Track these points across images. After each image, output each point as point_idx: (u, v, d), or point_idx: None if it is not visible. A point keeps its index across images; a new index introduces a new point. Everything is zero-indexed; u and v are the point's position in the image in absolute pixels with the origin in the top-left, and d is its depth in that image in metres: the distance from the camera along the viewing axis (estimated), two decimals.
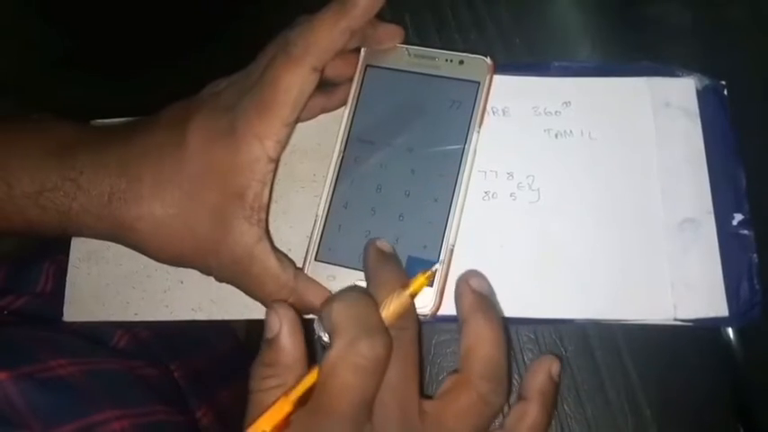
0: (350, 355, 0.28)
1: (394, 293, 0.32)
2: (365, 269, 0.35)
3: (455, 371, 0.32)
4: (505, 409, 0.34)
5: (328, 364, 0.29)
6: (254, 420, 0.28)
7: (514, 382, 0.39)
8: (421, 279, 0.33)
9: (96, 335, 0.42)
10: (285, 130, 0.34)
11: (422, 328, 0.34)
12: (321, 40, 0.34)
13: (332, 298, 0.31)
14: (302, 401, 0.29)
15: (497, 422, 0.33)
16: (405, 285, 0.33)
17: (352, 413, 0.29)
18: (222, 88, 0.37)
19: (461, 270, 0.36)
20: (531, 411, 0.32)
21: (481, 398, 0.31)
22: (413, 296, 0.32)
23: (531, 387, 0.33)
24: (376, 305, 0.31)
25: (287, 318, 0.31)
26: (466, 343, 0.32)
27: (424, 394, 0.32)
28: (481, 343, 0.32)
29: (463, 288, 0.34)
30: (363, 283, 0.35)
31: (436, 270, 0.34)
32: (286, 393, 0.29)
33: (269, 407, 0.29)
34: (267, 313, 0.31)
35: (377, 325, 0.30)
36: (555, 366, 0.34)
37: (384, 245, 0.36)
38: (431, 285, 0.36)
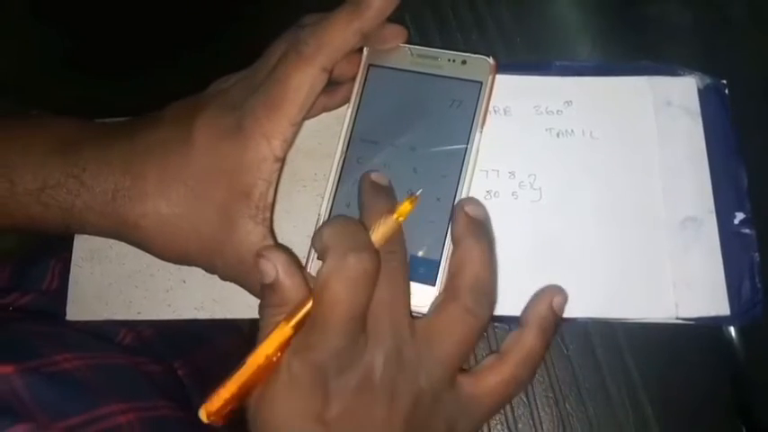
0: (339, 270, 0.29)
1: (381, 218, 0.33)
2: (359, 201, 0.36)
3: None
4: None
5: (320, 281, 0.30)
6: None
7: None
8: (406, 204, 0.33)
9: (101, 333, 0.43)
10: (292, 129, 0.35)
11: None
12: (334, 40, 0.34)
13: (322, 224, 0.32)
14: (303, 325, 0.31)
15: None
16: (392, 211, 0.33)
17: (344, 325, 0.30)
18: (229, 85, 0.37)
19: None
20: (527, 338, 0.34)
21: (467, 310, 0.32)
22: (399, 221, 0.33)
23: (531, 315, 0.34)
24: (364, 228, 0.32)
25: (280, 259, 0.32)
26: (454, 263, 0.34)
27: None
28: (469, 262, 0.33)
29: (458, 212, 0.35)
30: None
31: (420, 193, 0.34)
32: (286, 319, 0.31)
33: (270, 332, 0.30)
34: (260, 262, 0.32)
35: (365, 243, 0.31)
36: (558, 297, 0.35)
37: (379, 177, 0.36)
38: (430, 274, 0.36)
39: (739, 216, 0.39)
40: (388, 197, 0.35)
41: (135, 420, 0.37)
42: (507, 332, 0.40)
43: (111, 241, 0.39)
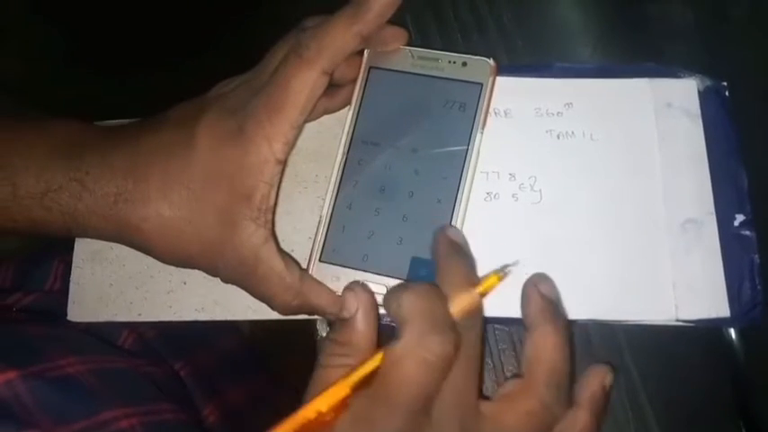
0: (418, 349, 0.28)
1: (464, 291, 0.31)
2: (435, 258, 0.35)
3: (516, 375, 0.33)
4: None
5: (395, 355, 0.29)
6: (312, 398, 0.29)
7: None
8: (493, 279, 0.33)
9: (103, 334, 0.43)
10: (293, 132, 0.35)
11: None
12: (334, 43, 0.34)
13: (401, 287, 0.31)
14: (362, 386, 0.29)
15: None
16: (475, 283, 0.32)
17: (412, 406, 0.29)
18: (231, 88, 0.37)
19: None
20: (582, 419, 0.32)
21: (543, 405, 0.31)
22: (483, 295, 0.32)
23: (584, 395, 0.33)
24: (446, 301, 0.31)
25: (364, 300, 0.31)
26: (531, 349, 0.33)
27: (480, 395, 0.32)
28: (547, 351, 0.32)
29: (531, 292, 0.34)
30: (369, 284, 0.35)
31: (509, 270, 0.34)
32: (345, 376, 0.29)
33: (327, 387, 0.29)
34: (345, 293, 0.32)
35: (447, 321, 0.30)
36: (608, 378, 0.34)
37: (456, 235, 0.35)
38: None
39: (739, 218, 0.39)
40: (467, 261, 0.34)
41: (137, 425, 0.37)
42: (507, 333, 0.40)
43: (112, 243, 0.39)
